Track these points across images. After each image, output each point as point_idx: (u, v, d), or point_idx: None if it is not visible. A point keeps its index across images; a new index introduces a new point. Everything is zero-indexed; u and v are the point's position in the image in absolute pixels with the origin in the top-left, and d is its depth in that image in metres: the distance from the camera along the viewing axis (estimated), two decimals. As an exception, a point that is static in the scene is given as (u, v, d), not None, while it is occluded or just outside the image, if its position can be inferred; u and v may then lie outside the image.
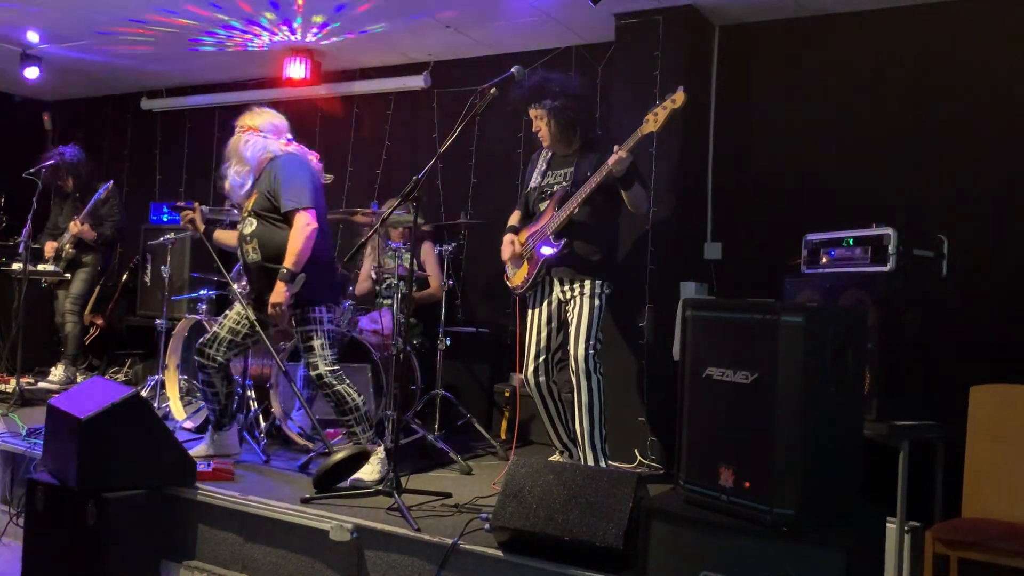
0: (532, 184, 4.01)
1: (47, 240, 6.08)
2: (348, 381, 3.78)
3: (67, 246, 5.99)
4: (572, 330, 3.80)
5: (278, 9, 5.08)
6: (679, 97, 3.54)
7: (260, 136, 3.88)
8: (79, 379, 5.91)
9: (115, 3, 5.13)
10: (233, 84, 6.80)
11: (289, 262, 3.68)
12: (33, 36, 5.89)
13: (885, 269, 3.36)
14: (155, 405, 4.63)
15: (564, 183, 3.87)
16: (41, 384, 5.87)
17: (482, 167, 5.74)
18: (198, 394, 4.80)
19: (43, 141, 7.62)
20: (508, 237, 4.03)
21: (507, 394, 5.11)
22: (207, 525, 3.48)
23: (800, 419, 2.34)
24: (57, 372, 6.01)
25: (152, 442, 3.47)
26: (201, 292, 5.09)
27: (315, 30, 5.43)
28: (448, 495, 3.50)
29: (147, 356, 6.38)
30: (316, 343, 3.77)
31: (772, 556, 2.34)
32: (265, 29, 5.50)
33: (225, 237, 4.16)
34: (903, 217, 3.70)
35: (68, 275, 6.02)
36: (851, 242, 3.50)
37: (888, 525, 2.95)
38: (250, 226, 3.85)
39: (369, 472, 3.69)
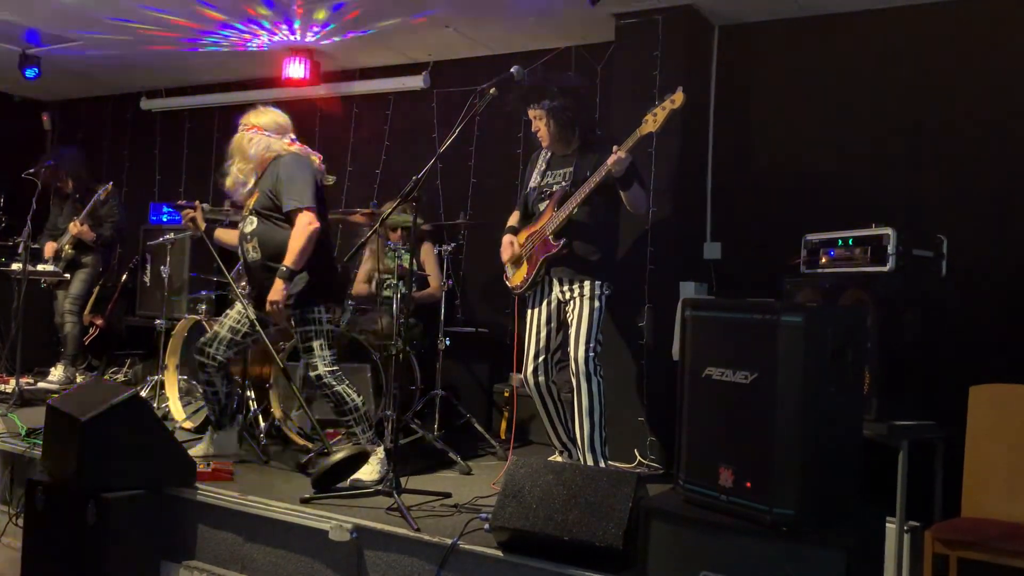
0: (531, 184, 4.01)
1: (46, 240, 6.08)
2: (347, 382, 3.78)
3: (66, 246, 5.99)
4: (572, 332, 3.80)
5: (273, 8, 5.08)
6: (678, 97, 3.54)
7: (264, 135, 3.87)
8: (79, 379, 5.91)
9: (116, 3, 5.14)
10: (232, 84, 6.80)
11: (289, 260, 3.68)
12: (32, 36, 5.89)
13: (885, 269, 3.36)
14: (155, 405, 4.63)
15: (563, 183, 3.87)
16: (41, 384, 5.86)
17: (482, 167, 5.74)
18: (198, 394, 4.80)
19: (43, 141, 7.63)
20: (507, 238, 4.03)
21: (506, 394, 5.11)
22: (207, 525, 3.48)
23: (800, 419, 2.34)
24: (57, 372, 6.01)
25: (152, 442, 3.47)
26: (201, 292, 5.09)
27: (316, 28, 5.43)
28: (448, 495, 3.50)
29: (147, 356, 6.37)
30: (315, 343, 3.77)
31: (772, 556, 2.34)
32: (264, 29, 5.50)
33: (226, 236, 4.16)
34: (903, 217, 3.70)
35: (67, 275, 6.02)
36: (851, 242, 3.50)
37: (888, 525, 2.95)
38: (251, 225, 3.85)
39: (369, 472, 3.69)
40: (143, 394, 4.30)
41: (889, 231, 3.37)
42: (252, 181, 3.87)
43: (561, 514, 2.76)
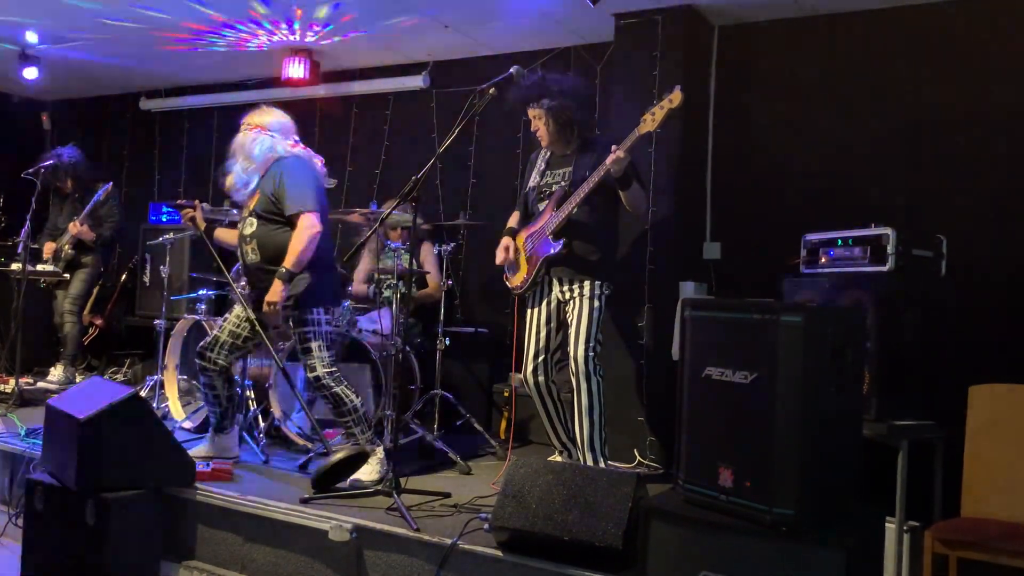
0: (531, 184, 4.01)
1: (46, 240, 6.09)
2: (346, 383, 3.78)
3: (66, 246, 5.99)
4: (572, 332, 3.80)
5: (270, 5, 5.08)
6: (676, 97, 3.54)
7: (268, 135, 3.86)
8: (78, 379, 5.91)
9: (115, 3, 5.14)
10: (232, 84, 6.80)
11: (289, 263, 3.68)
12: (32, 36, 5.89)
13: (884, 269, 3.36)
14: (154, 405, 4.63)
15: (562, 183, 3.87)
16: (40, 384, 5.86)
17: (481, 167, 5.74)
18: (197, 394, 4.80)
19: (42, 141, 7.62)
20: (503, 243, 4.02)
21: (506, 394, 5.11)
22: (206, 525, 3.48)
23: (799, 419, 2.34)
24: (56, 372, 6.01)
25: (151, 442, 3.47)
26: (200, 292, 5.09)
27: (317, 28, 5.43)
28: (447, 495, 3.50)
29: (146, 356, 6.37)
30: (314, 344, 3.77)
31: (771, 556, 2.34)
32: (264, 29, 5.50)
33: (226, 236, 4.15)
34: (902, 217, 3.70)
35: (67, 275, 6.02)
36: (850, 242, 3.49)
37: (887, 525, 2.96)
38: (250, 227, 3.85)
39: (368, 472, 3.69)
40: (143, 394, 4.30)
41: (889, 231, 3.37)
42: (255, 181, 3.86)
43: (561, 514, 2.76)
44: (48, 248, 6.02)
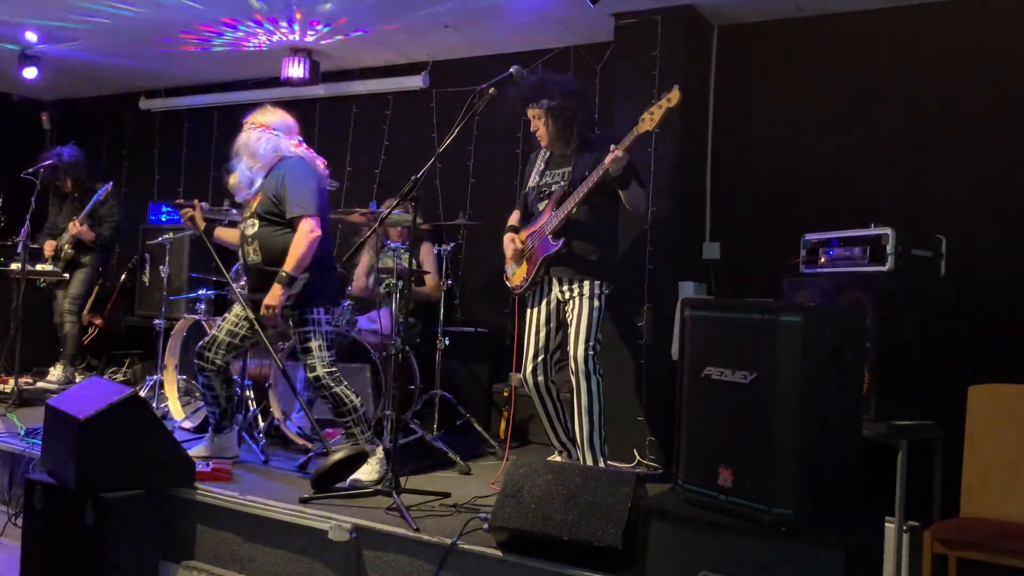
0: (530, 184, 4.01)
1: (46, 240, 6.08)
2: (346, 383, 3.78)
3: (66, 246, 5.99)
4: (571, 331, 3.80)
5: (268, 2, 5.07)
6: (674, 96, 3.54)
7: (272, 134, 3.84)
8: (78, 379, 5.91)
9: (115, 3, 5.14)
10: (232, 84, 6.80)
11: (289, 266, 3.68)
12: (31, 36, 5.88)
13: (884, 269, 3.36)
14: (154, 405, 4.63)
15: (562, 183, 3.87)
16: (39, 384, 5.86)
17: (481, 167, 5.74)
18: (197, 394, 4.80)
19: (41, 141, 7.62)
20: (509, 236, 4.03)
21: (506, 394, 5.11)
22: (206, 525, 3.48)
23: (799, 419, 2.34)
24: (56, 372, 6.01)
25: (151, 442, 3.47)
26: (200, 292, 5.09)
27: (318, 27, 5.42)
28: (447, 495, 3.50)
29: (146, 356, 6.38)
30: (314, 344, 3.77)
31: (771, 556, 2.34)
32: (264, 29, 5.50)
33: (227, 235, 4.14)
34: (902, 217, 3.70)
35: (67, 275, 6.02)
36: (850, 242, 3.49)
37: (887, 525, 2.96)
38: (252, 228, 3.84)
39: (368, 472, 3.69)
40: (142, 394, 4.30)
41: (888, 231, 3.37)
42: (259, 180, 3.85)
43: (560, 514, 2.76)
44: (48, 247, 6.02)
